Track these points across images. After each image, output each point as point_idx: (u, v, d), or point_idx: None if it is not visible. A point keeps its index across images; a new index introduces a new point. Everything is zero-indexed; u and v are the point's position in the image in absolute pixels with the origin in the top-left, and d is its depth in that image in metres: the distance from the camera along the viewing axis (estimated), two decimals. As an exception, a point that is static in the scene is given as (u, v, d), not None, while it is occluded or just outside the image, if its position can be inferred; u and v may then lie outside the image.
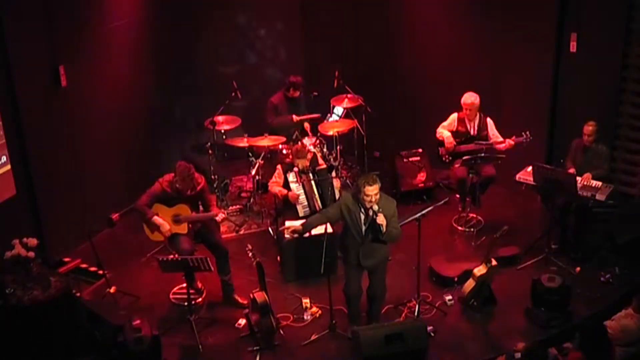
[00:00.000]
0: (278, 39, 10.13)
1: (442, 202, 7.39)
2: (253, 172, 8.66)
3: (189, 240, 7.07)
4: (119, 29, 8.46)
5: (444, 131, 8.31)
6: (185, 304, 6.98)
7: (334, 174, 8.27)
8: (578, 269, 7.59)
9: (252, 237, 8.36)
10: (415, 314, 6.99)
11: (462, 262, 7.59)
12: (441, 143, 8.36)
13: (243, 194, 9.28)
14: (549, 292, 6.80)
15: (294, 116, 8.82)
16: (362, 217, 6.35)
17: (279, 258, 7.89)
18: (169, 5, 9.26)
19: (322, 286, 6.92)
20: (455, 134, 8.31)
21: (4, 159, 7.12)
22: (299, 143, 8.31)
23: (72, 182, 8.01)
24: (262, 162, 8.57)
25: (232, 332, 6.94)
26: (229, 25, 9.84)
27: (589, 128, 7.65)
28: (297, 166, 7.84)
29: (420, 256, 6.88)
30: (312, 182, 7.86)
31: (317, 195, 7.86)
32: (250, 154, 8.90)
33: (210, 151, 8.87)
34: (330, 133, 8.85)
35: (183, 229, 7.05)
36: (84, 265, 7.74)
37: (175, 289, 7.45)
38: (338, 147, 8.95)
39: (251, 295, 6.71)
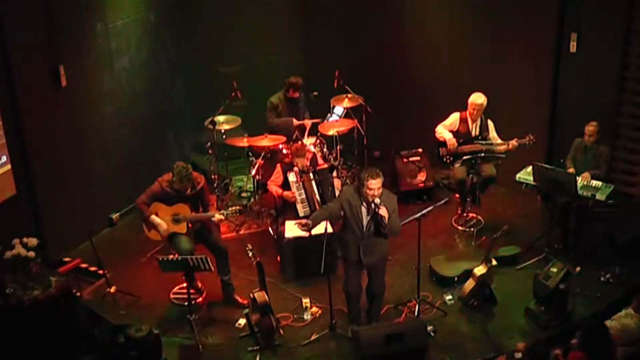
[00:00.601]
0: (278, 38, 10.13)
1: (442, 202, 7.39)
2: (253, 172, 8.66)
3: (189, 240, 7.07)
4: (119, 29, 8.46)
5: (444, 132, 8.31)
6: (185, 303, 6.98)
7: (334, 173, 8.27)
8: (578, 269, 7.58)
9: (252, 237, 8.36)
10: (415, 313, 6.98)
11: (462, 262, 7.59)
12: (442, 143, 8.36)
13: (243, 194, 9.29)
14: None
15: (294, 120, 8.79)
16: (364, 210, 6.35)
17: (279, 258, 7.89)
18: (169, 5, 9.27)
19: (322, 286, 6.92)
20: (456, 134, 8.31)
21: (4, 158, 7.12)
22: (299, 142, 8.32)
23: (72, 182, 8.01)
24: (262, 162, 8.57)
25: (232, 332, 6.94)
26: (229, 25, 9.84)
27: (590, 128, 7.66)
28: (297, 165, 7.85)
29: (420, 256, 6.88)
30: (313, 182, 7.87)
31: (317, 195, 7.86)
32: (250, 154, 8.90)
33: (210, 151, 8.87)
34: (330, 133, 8.85)
35: (182, 228, 7.05)
36: (84, 265, 7.74)
37: (175, 288, 7.45)
38: (338, 147, 8.95)
39: (251, 295, 6.71)
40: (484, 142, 8.22)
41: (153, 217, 6.98)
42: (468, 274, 7.17)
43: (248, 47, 9.98)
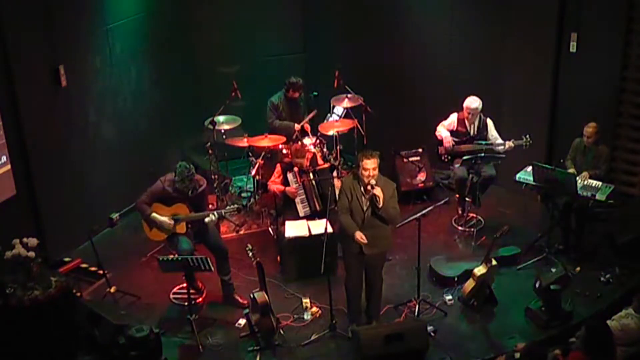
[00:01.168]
0: (278, 38, 10.13)
1: (442, 202, 7.39)
2: (253, 172, 8.66)
3: (188, 240, 7.07)
4: (119, 29, 8.46)
5: (442, 130, 8.32)
6: (186, 303, 6.98)
7: (335, 174, 8.27)
8: (578, 269, 7.58)
9: (252, 237, 8.36)
10: (416, 314, 6.99)
11: (462, 262, 7.59)
12: (441, 142, 8.37)
13: (243, 194, 9.29)
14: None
15: (296, 125, 8.78)
16: (363, 198, 6.33)
17: (279, 258, 7.89)
18: (169, 5, 9.26)
19: (322, 286, 6.92)
20: (454, 133, 8.32)
21: (4, 158, 7.12)
22: (299, 142, 8.32)
23: (72, 182, 8.01)
24: (262, 162, 8.57)
25: (232, 332, 6.94)
26: (229, 25, 9.84)
27: (589, 130, 7.65)
28: (297, 165, 7.85)
29: (420, 256, 6.88)
30: (313, 182, 7.87)
31: (317, 195, 7.86)
32: (250, 154, 8.90)
33: (210, 151, 8.87)
34: (330, 133, 8.85)
35: (181, 228, 7.05)
36: (84, 265, 7.74)
37: (175, 288, 7.45)
38: (338, 147, 8.95)
39: (251, 295, 6.72)
40: (482, 142, 8.22)
41: (155, 215, 6.97)
42: (468, 274, 7.17)
43: (248, 47, 9.98)
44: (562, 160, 7.92)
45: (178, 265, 6.67)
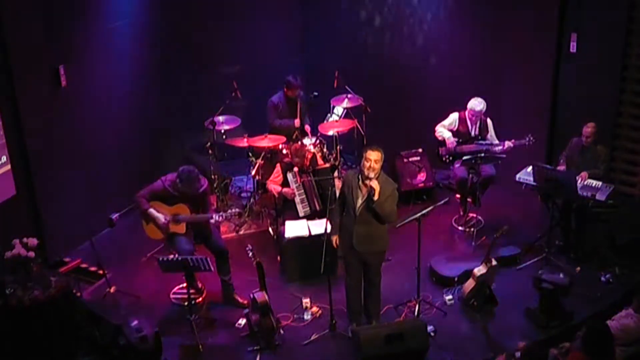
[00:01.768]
0: (278, 38, 10.13)
1: (442, 202, 7.38)
2: (253, 172, 8.66)
3: (188, 240, 7.07)
4: (119, 29, 8.46)
5: (444, 131, 8.31)
6: (186, 303, 6.98)
7: (335, 174, 8.27)
8: (578, 269, 7.59)
9: (252, 237, 8.36)
10: (416, 313, 6.99)
11: (462, 262, 7.59)
12: (442, 143, 8.36)
13: (243, 194, 9.29)
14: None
15: (296, 121, 8.79)
16: (359, 193, 6.35)
17: (279, 258, 7.89)
18: (169, 5, 9.26)
19: (322, 286, 6.92)
20: (455, 133, 8.31)
21: (4, 159, 7.12)
22: (298, 142, 8.32)
23: (72, 182, 8.01)
24: (262, 162, 8.57)
25: (232, 332, 6.94)
26: (229, 25, 9.83)
27: (587, 130, 7.65)
28: (296, 165, 7.85)
29: (420, 256, 6.88)
30: (313, 182, 7.87)
31: (317, 195, 7.86)
32: (250, 154, 8.90)
33: (210, 151, 8.87)
34: (330, 133, 8.85)
35: (181, 228, 7.05)
36: (84, 265, 7.74)
37: (175, 288, 7.45)
38: (338, 147, 8.95)
39: (251, 295, 6.72)
40: (483, 142, 8.22)
41: (151, 210, 6.97)
42: (468, 274, 7.18)
43: (248, 47, 9.97)
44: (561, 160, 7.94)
45: (178, 266, 6.67)
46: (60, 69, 7.65)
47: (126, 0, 8.58)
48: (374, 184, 6.24)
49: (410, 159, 9.09)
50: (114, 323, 6.44)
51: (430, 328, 6.70)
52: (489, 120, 8.31)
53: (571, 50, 8.39)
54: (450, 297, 7.29)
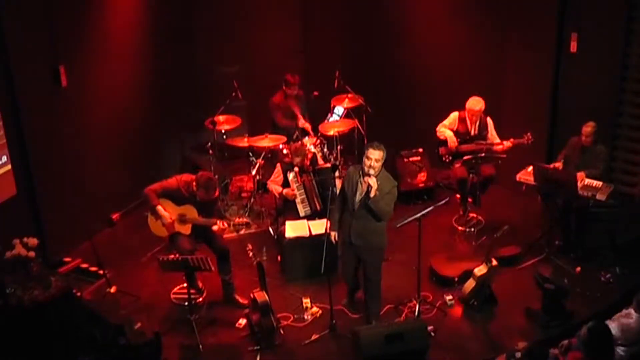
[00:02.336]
0: (278, 38, 10.13)
1: (442, 202, 7.38)
2: (253, 172, 8.66)
3: (189, 240, 7.07)
4: (119, 29, 8.46)
5: (446, 130, 8.31)
6: (186, 303, 6.98)
7: (337, 173, 8.26)
8: (578, 269, 7.59)
9: (252, 237, 8.36)
10: (416, 313, 6.99)
11: (462, 262, 7.59)
12: (442, 142, 8.36)
13: (243, 194, 9.29)
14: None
15: (300, 120, 8.78)
16: (359, 185, 6.39)
17: (279, 258, 7.89)
18: (169, 5, 9.26)
19: (322, 286, 6.93)
20: (456, 133, 8.31)
21: (4, 158, 7.12)
22: (299, 142, 8.32)
23: (73, 182, 8.02)
24: (262, 162, 8.58)
25: (233, 332, 6.94)
26: (229, 25, 9.84)
27: (587, 129, 7.65)
28: (297, 165, 7.85)
29: (420, 256, 6.88)
30: (313, 182, 7.87)
31: (317, 195, 7.86)
32: (250, 154, 8.91)
33: (210, 151, 8.87)
34: (331, 133, 8.85)
35: (187, 229, 7.04)
36: (84, 265, 7.74)
37: (175, 288, 7.46)
38: (338, 147, 8.95)
39: (251, 295, 6.72)
40: (483, 142, 8.22)
41: (159, 207, 6.96)
42: (468, 274, 7.18)
43: (248, 47, 9.98)
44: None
45: (178, 265, 6.67)
46: (60, 69, 7.65)
47: (126, 0, 8.59)
48: (372, 181, 6.28)
49: (411, 159, 9.10)
50: (114, 323, 6.43)
51: (430, 328, 6.70)
52: (489, 120, 8.31)
53: (571, 50, 8.39)
54: (450, 297, 7.29)
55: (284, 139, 8.60)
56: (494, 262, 7.07)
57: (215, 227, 6.99)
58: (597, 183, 7.54)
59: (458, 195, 8.58)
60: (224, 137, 8.86)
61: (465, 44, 9.18)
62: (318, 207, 7.84)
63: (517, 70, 8.81)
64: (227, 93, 8.92)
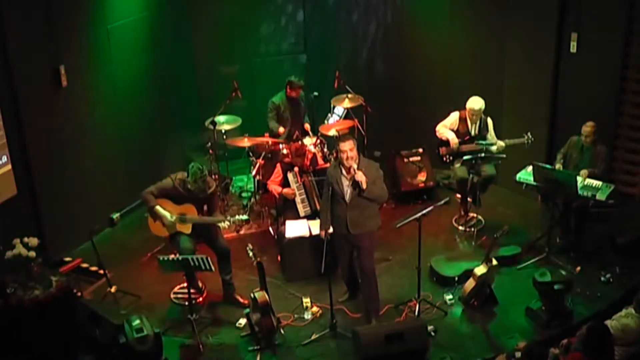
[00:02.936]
0: (278, 38, 10.13)
1: (443, 202, 7.39)
2: (253, 172, 8.66)
3: (190, 239, 7.07)
4: (119, 29, 8.46)
5: (446, 131, 8.31)
6: (186, 303, 6.99)
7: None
8: (578, 268, 7.59)
9: (252, 237, 8.36)
10: (416, 313, 6.99)
11: (462, 262, 7.59)
12: (442, 142, 8.36)
13: (243, 194, 9.29)
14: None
15: (280, 129, 8.82)
16: (344, 180, 6.46)
17: (279, 258, 7.90)
18: (169, 4, 9.26)
19: (322, 286, 6.93)
20: (456, 133, 8.31)
21: (4, 158, 7.12)
22: (299, 142, 8.32)
23: (73, 182, 8.02)
24: (262, 162, 8.58)
25: (233, 332, 6.94)
26: (229, 25, 9.84)
27: (587, 129, 7.66)
28: (297, 165, 7.85)
29: (420, 256, 6.88)
30: (313, 182, 7.88)
31: (317, 195, 7.86)
32: (250, 154, 8.91)
33: (210, 151, 8.87)
34: (331, 133, 8.85)
35: (187, 228, 7.04)
36: (84, 265, 7.74)
37: (176, 288, 7.46)
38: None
39: (252, 295, 6.71)
40: (483, 142, 8.22)
41: (158, 207, 6.96)
42: (468, 274, 7.18)
43: (248, 47, 9.98)
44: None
45: (179, 265, 6.67)
46: (60, 69, 7.65)
47: (126, 0, 8.59)
48: (359, 176, 6.31)
49: (411, 159, 9.10)
50: (114, 323, 6.43)
51: (430, 328, 6.71)
52: (489, 119, 8.31)
53: (571, 50, 8.39)
54: (450, 297, 7.29)
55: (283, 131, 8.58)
56: (494, 262, 7.07)
57: (222, 225, 6.99)
58: (597, 183, 7.55)
59: (458, 195, 8.58)
60: (224, 137, 8.86)
61: (465, 43, 9.18)
62: (318, 207, 7.84)
63: (517, 70, 8.81)
64: (227, 93, 8.91)
